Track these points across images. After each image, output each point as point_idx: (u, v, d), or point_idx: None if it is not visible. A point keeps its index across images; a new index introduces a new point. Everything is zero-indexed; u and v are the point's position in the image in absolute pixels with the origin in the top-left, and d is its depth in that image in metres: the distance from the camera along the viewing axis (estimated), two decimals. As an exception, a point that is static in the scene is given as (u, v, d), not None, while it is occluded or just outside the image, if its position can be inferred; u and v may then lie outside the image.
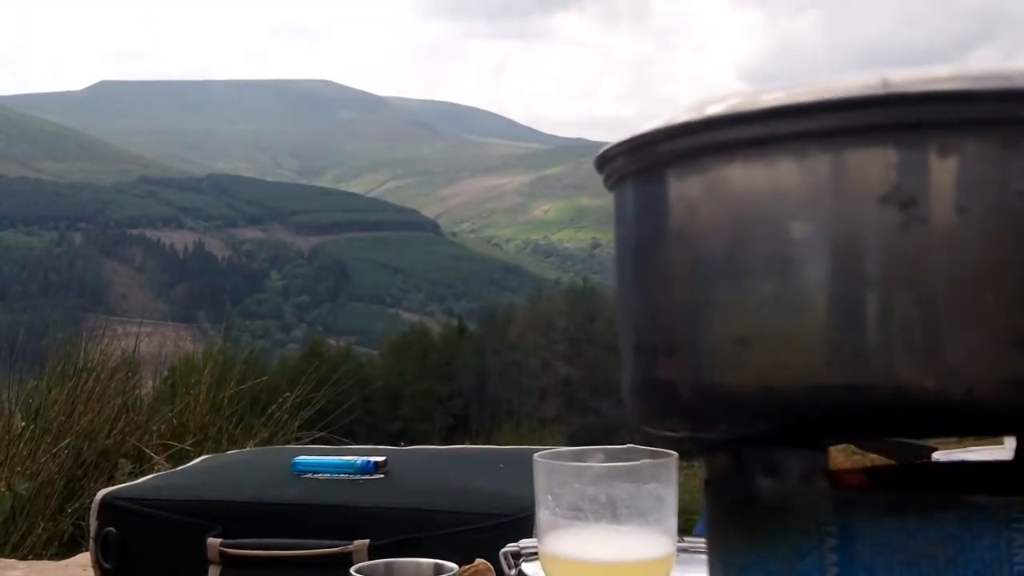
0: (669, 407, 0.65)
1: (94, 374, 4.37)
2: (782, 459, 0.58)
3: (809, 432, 0.58)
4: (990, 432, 0.56)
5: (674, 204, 0.63)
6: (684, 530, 1.22)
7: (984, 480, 0.67)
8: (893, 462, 0.74)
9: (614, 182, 0.70)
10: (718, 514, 0.64)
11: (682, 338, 0.62)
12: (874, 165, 0.54)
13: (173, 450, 4.20)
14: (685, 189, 0.62)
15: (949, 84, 0.53)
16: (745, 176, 0.58)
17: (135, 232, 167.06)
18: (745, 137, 0.58)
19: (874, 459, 1.23)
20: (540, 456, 1.15)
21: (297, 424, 4.67)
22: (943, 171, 0.53)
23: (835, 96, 0.54)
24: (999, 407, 0.53)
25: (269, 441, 4.47)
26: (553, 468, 1.14)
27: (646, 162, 0.64)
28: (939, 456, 1.26)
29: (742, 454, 0.61)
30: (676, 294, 0.63)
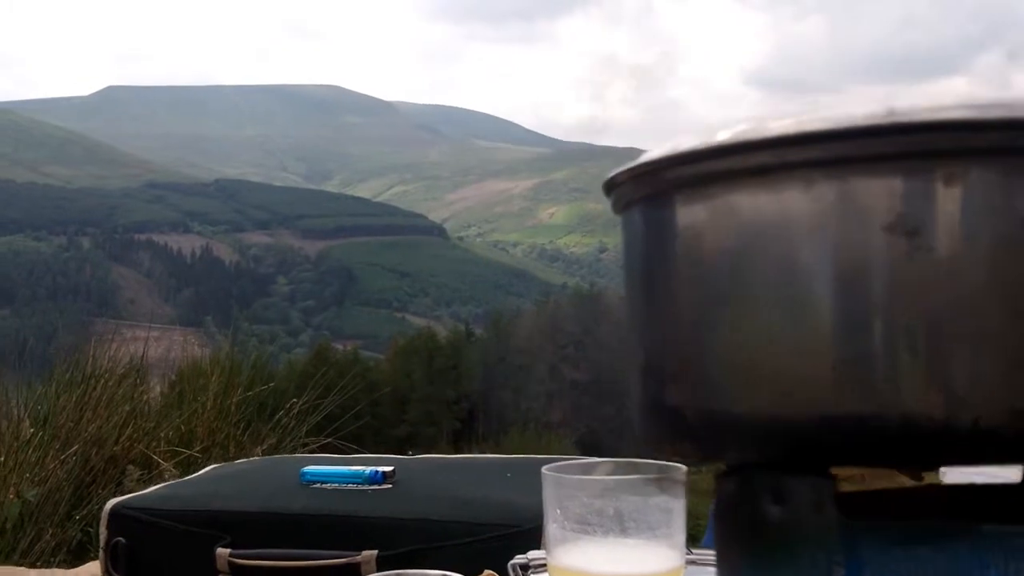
0: (677, 432, 0.65)
1: (102, 380, 4.38)
2: (790, 486, 0.59)
3: (817, 459, 0.58)
4: (998, 461, 0.56)
5: (681, 230, 0.63)
6: (692, 536, 1.22)
7: (992, 505, 0.67)
8: (900, 481, 0.74)
9: (622, 207, 0.70)
10: (727, 538, 0.64)
11: (689, 364, 0.63)
12: (879, 194, 0.54)
13: (181, 456, 4.21)
14: (692, 215, 0.62)
15: (954, 113, 0.53)
16: (752, 203, 0.59)
17: (143, 237, 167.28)
18: (751, 165, 0.58)
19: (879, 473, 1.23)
20: (548, 469, 1.15)
21: (304, 430, 4.68)
22: (948, 200, 0.53)
23: (840, 125, 0.54)
24: (1007, 436, 0.53)
25: (276, 447, 4.48)
26: (561, 481, 1.14)
27: (653, 188, 0.65)
28: (945, 470, 1.26)
29: (750, 480, 0.61)
30: (684, 320, 0.63)
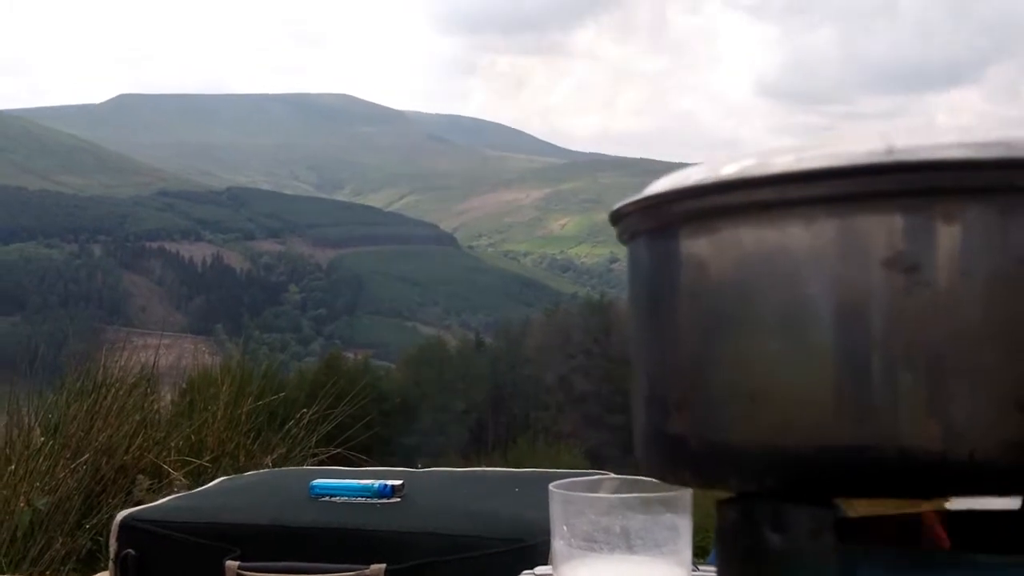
0: (679, 460, 0.66)
1: (113, 389, 4.39)
2: (790, 515, 0.60)
3: (817, 488, 0.59)
4: (994, 492, 0.57)
5: (685, 262, 0.64)
6: (702, 549, 1.22)
7: (993, 532, 0.68)
8: (902, 506, 0.75)
9: (628, 237, 0.71)
10: (728, 565, 0.65)
11: (692, 393, 0.64)
12: (879, 230, 0.55)
13: (191, 466, 4.22)
14: (696, 248, 0.63)
15: (952, 152, 0.54)
16: (754, 237, 0.60)
17: (154, 245, 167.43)
18: (754, 200, 0.59)
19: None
20: (555, 486, 1.16)
21: (314, 440, 4.68)
22: (946, 237, 0.54)
23: (841, 163, 0.56)
24: (1002, 468, 0.54)
25: (286, 457, 4.49)
26: (568, 498, 1.15)
27: (658, 221, 0.66)
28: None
29: (751, 508, 0.62)
30: (687, 350, 0.64)
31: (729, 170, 0.59)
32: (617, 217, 0.70)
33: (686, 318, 0.64)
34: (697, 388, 0.63)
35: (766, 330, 0.59)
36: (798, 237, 0.57)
